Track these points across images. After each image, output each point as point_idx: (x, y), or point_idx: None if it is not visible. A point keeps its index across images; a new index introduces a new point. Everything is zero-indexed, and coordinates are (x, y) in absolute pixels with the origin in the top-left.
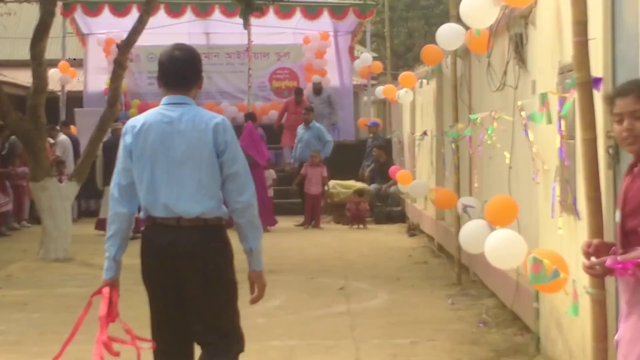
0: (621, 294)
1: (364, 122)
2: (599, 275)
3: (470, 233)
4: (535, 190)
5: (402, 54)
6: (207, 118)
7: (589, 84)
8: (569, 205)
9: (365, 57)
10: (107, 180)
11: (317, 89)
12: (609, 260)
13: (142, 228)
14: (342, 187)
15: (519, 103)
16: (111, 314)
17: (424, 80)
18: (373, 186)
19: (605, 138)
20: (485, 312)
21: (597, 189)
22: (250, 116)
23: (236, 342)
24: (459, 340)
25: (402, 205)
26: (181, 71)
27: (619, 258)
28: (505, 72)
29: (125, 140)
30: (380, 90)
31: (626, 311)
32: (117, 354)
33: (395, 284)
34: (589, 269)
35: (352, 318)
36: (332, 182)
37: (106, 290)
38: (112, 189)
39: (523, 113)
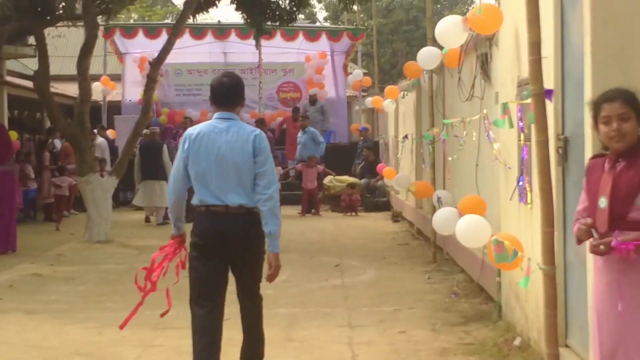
0: (620, 273)
1: (356, 127)
2: (602, 253)
3: (442, 219)
4: (497, 184)
5: (388, 70)
6: (249, 130)
7: (542, 95)
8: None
9: (357, 73)
10: (143, 175)
11: (313, 100)
12: (614, 241)
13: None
14: (337, 181)
15: (484, 111)
16: (170, 256)
17: (406, 92)
18: (363, 181)
19: (555, 140)
20: (456, 285)
21: (549, 182)
22: (260, 122)
23: (260, 300)
24: (434, 308)
25: (388, 197)
26: (228, 94)
27: (619, 239)
28: (473, 85)
29: (184, 145)
30: (369, 101)
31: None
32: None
33: (382, 262)
34: (594, 247)
35: (345, 290)
36: (328, 177)
37: (173, 242)
38: (169, 182)
39: (487, 120)
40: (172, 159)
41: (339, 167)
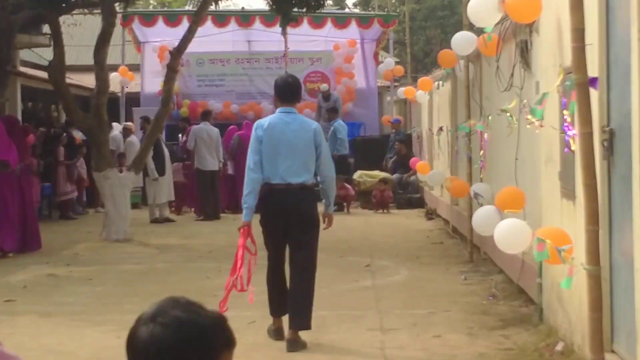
0: None
1: (387, 119)
2: None
3: (482, 217)
4: (538, 178)
5: (421, 58)
6: (309, 123)
7: (586, 84)
8: (569, 192)
9: (389, 61)
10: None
11: (326, 96)
12: None
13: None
14: (368, 176)
15: (524, 101)
16: (245, 242)
17: (440, 82)
18: (395, 176)
19: (600, 132)
20: (494, 286)
21: (593, 177)
22: None
23: (313, 269)
24: (471, 311)
25: (421, 193)
26: (292, 92)
27: None
28: (512, 75)
29: (257, 133)
30: (401, 91)
31: None
32: (254, 254)
33: (415, 262)
34: None
35: (376, 291)
36: (359, 172)
37: (245, 227)
38: (249, 163)
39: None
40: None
41: (369, 161)
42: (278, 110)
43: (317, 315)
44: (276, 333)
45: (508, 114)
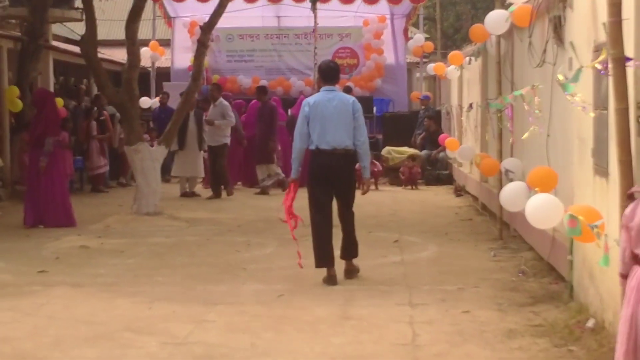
0: None
1: (417, 96)
2: None
3: (510, 194)
4: (570, 155)
5: (451, 35)
6: (347, 97)
7: (622, 59)
8: (602, 169)
9: (418, 37)
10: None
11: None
12: None
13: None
14: (396, 152)
15: (560, 77)
16: (293, 196)
17: (472, 58)
18: (424, 152)
19: (635, 108)
20: (524, 263)
21: (628, 154)
22: (261, 90)
23: (353, 213)
24: (500, 287)
25: (450, 169)
26: (334, 74)
27: None
28: (544, 51)
29: (305, 109)
30: (431, 68)
31: None
32: (297, 218)
33: (444, 238)
34: None
35: (405, 267)
36: (387, 148)
37: (294, 183)
38: (296, 134)
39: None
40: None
41: (398, 138)
42: (322, 89)
43: (346, 289)
44: (331, 279)
45: (536, 99)
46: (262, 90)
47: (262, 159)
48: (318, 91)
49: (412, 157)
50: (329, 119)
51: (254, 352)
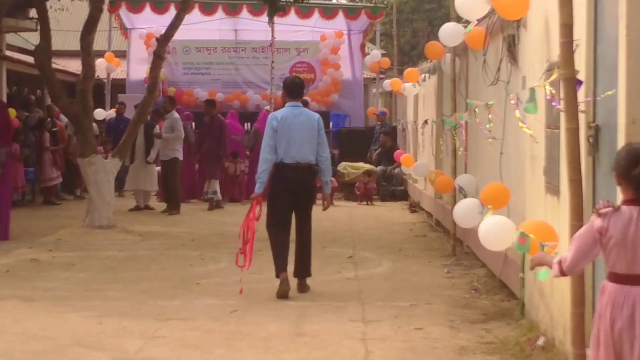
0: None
1: (373, 111)
2: None
3: (464, 210)
4: (522, 173)
5: (408, 51)
6: (313, 114)
7: (573, 79)
8: (553, 187)
9: (375, 53)
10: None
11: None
12: None
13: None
14: (352, 168)
15: (512, 95)
16: (255, 212)
17: (427, 75)
18: (379, 168)
19: (586, 128)
20: (476, 280)
21: (578, 173)
22: (210, 103)
23: (311, 227)
24: (453, 304)
25: (405, 185)
26: (299, 90)
27: None
28: (499, 69)
29: (272, 123)
30: (387, 83)
31: None
32: (257, 219)
33: (398, 254)
34: None
35: (359, 283)
36: (343, 164)
37: (259, 198)
38: (264, 147)
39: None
40: (188, 137)
41: (354, 153)
42: (287, 104)
43: (300, 305)
44: (285, 283)
45: (489, 116)
46: (210, 104)
47: (208, 175)
48: (283, 106)
49: (367, 173)
50: (295, 134)
51: None
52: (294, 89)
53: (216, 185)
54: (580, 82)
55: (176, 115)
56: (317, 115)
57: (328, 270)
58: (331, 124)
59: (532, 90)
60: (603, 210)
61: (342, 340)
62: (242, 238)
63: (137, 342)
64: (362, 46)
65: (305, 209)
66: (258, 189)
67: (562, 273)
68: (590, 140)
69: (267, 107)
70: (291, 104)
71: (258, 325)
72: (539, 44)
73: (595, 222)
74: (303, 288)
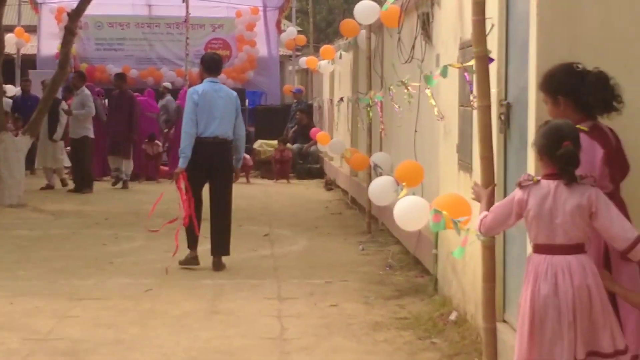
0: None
1: (289, 89)
2: None
3: (379, 188)
4: (436, 151)
5: (324, 28)
6: (232, 92)
7: (485, 58)
8: (466, 165)
9: (291, 30)
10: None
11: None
12: None
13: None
14: (268, 145)
15: (425, 73)
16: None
17: (342, 52)
18: (295, 146)
19: (498, 105)
20: (391, 257)
21: (490, 150)
22: (120, 77)
23: (231, 203)
24: (367, 280)
25: (321, 163)
26: (217, 65)
27: None
28: (413, 47)
29: (194, 97)
30: (303, 61)
31: None
32: (185, 202)
33: (314, 232)
34: None
35: (275, 261)
36: (259, 142)
37: (183, 174)
38: (186, 121)
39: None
40: (99, 114)
41: (270, 131)
42: (206, 80)
43: (215, 284)
44: (194, 260)
45: (405, 91)
46: (121, 78)
47: (118, 152)
48: (201, 82)
49: (282, 141)
50: (216, 109)
51: (119, 347)
52: (212, 65)
53: (130, 167)
54: (491, 60)
55: (86, 91)
56: (235, 93)
57: (244, 248)
58: (247, 101)
59: (445, 67)
60: (524, 184)
61: (257, 317)
62: (185, 216)
63: (49, 322)
64: (278, 23)
65: (224, 186)
66: (182, 163)
67: (480, 231)
68: (502, 117)
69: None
70: (210, 79)
71: (173, 304)
72: (452, 22)
73: (516, 194)
74: (219, 266)
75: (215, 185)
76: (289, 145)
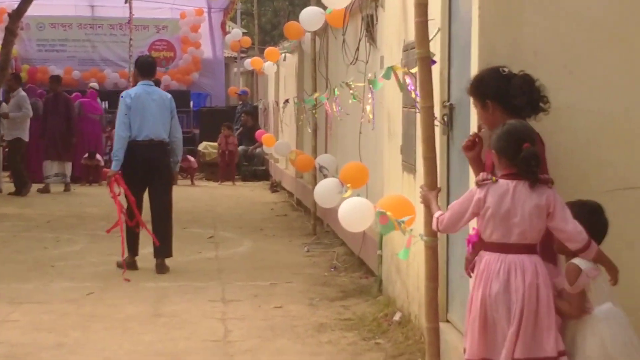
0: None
1: (234, 91)
2: None
3: (324, 190)
4: (381, 152)
5: (269, 30)
6: (166, 94)
7: (428, 59)
8: (410, 166)
9: (236, 32)
10: None
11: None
12: None
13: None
14: (212, 147)
15: (369, 75)
16: (118, 185)
17: (287, 54)
18: (241, 148)
19: (440, 107)
20: (336, 258)
21: (433, 151)
22: (55, 79)
23: (172, 205)
24: (312, 282)
25: (266, 165)
26: (151, 68)
27: None
28: (357, 49)
29: (126, 100)
30: (248, 63)
31: None
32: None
33: (259, 234)
34: None
35: (219, 263)
36: (203, 144)
37: (117, 175)
38: (119, 124)
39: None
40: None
41: (215, 133)
42: (140, 83)
43: (159, 287)
44: (134, 265)
45: (351, 92)
46: (54, 80)
47: (56, 156)
48: (135, 85)
49: (227, 126)
50: (149, 112)
51: (60, 351)
52: (146, 67)
53: (69, 168)
54: (433, 62)
55: (22, 93)
56: (170, 95)
57: (188, 250)
58: (192, 103)
59: (389, 69)
60: (482, 183)
61: (201, 320)
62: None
63: None
64: (223, 24)
65: (162, 189)
66: (115, 166)
67: (437, 230)
68: (445, 119)
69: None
70: (144, 82)
71: (115, 307)
72: (396, 24)
73: (474, 192)
74: (162, 269)
75: (154, 187)
76: (230, 124)
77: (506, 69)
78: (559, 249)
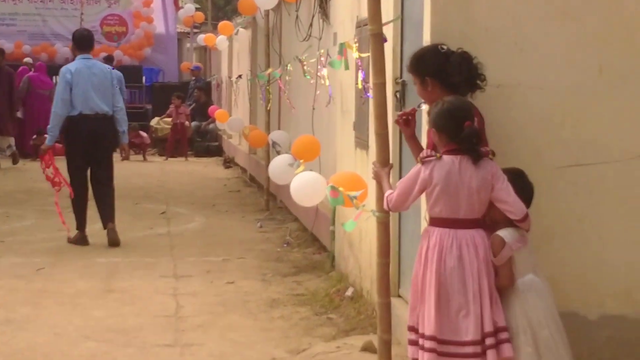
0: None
1: (187, 66)
2: None
3: (278, 167)
4: (334, 128)
5: (222, 6)
6: (105, 66)
7: (380, 35)
8: (363, 142)
9: (189, 7)
10: None
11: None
12: None
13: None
14: (165, 123)
15: (321, 51)
16: (51, 160)
17: (240, 28)
18: (194, 123)
19: (393, 83)
20: (288, 234)
21: (385, 127)
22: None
23: (113, 182)
24: (265, 258)
25: (220, 141)
26: (88, 41)
27: None
28: (311, 25)
29: (67, 77)
30: (201, 38)
31: None
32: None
33: (211, 210)
34: None
35: (171, 239)
36: (155, 119)
37: (49, 152)
38: (57, 101)
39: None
40: None
41: (167, 108)
42: (78, 57)
43: (109, 262)
44: (84, 240)
45: (304, 68)
46: None
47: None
48: (73, 59)
49: (178, 96)
50: (92, 85)
51: (9, 327)
52: (83, 41)
53: (10, 140)
54: (385, 40)
55: None
56: (110, 67)
57: (140, 226)
58: (144, 78)
59: (342, 45)
60: (427, 159)
61: (152, 295)
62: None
63: None
64: (176, 0)
65: (106, 160)
66: (49, 141)
67: (388, 209)
68: (397, 95)
69: None
70: (82, 56)
71: (66, 283)
72: (349, 1)
73: (419, 170)
74: (114, 235)
75: (95, 157)
76: (181, 94)
77: (445, 47)
78: (491, 220)
